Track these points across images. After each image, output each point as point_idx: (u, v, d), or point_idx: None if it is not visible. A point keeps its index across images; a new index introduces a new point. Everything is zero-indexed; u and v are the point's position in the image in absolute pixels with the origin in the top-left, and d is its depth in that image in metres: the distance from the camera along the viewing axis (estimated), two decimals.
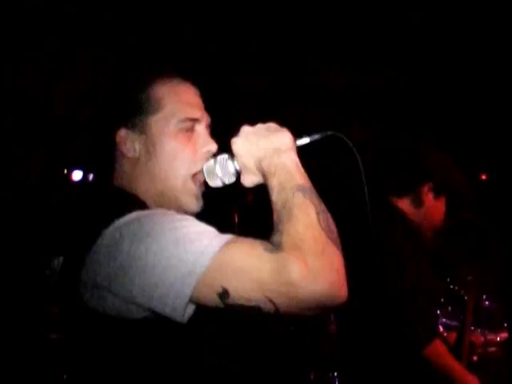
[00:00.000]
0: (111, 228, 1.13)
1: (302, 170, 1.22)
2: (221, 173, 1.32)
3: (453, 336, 2.56)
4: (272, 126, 1.28)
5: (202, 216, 1.26)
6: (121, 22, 4.00)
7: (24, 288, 3.74)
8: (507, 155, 4.60)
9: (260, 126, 1.28)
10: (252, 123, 1.29)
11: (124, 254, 1.09)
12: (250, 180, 1.30)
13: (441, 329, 2.75)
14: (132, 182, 1.34)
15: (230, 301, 1.05)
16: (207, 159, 1.35)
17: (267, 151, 1.23)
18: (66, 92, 4.35)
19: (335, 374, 3.41)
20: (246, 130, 1.28)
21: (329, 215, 1.15)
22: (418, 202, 2.39)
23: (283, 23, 4.08)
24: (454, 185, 2.39)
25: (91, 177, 4.78)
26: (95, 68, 4.23)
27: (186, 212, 1.33)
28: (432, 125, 4.63)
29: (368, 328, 2.23)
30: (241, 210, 4.06)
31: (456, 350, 2.38)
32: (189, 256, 1.05)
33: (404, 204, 2.42)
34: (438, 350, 2.14)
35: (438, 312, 2.82)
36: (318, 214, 1.11)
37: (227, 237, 1.10)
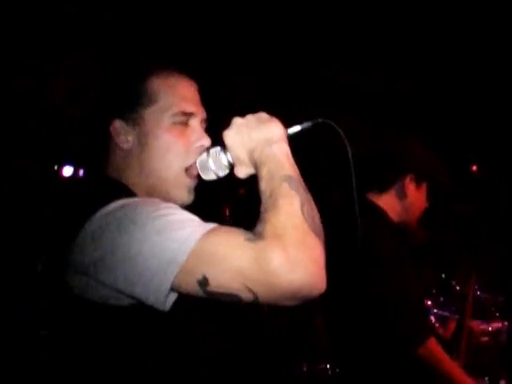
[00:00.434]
0: (97, 215, 1.14)
1: (292, 160, 1.22)
2: (214, 166, 1.33)
3: (452, 327, 2.57)
4: (263, 115, 1.29)
5: (193, 210, 1.25)
6: (112, 20, 3.98)
7: (16, 284, 3.73)
8: (498, 146, 4.63)
9: (251, 117, 1.28)
10: (242, 115, 1.29)
11: (108, 241, 1.10)
12: (243, 172, 1.30)
13: (433, 319, 2.76)
14: (123, 173, 1.34)
15: (210, 289, 1.06)
16: (200, 153, 1.35)
17: (259, 142, 1.23)
18: (55, 88, 4.33)
19: (328, 365, 3.43)
20: (237, 121, 1.28)
21: (314, 206, 1.15)
22: (402, 194, 2.36)
23: (278, 20, 4.07)
24: (432, 172, 2.38)
25: (82, 172, 4.78)
26: (85, 64, 4.20)
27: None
28: (421, 117, 4.64)
29: (358, 327, 2.21)
30: (233, 205, 4.07)
31: (455, 337, 2.40)
32: (171, 244, 1.06)
33: (386, 200, 2.37)
34: (432, 350, 2.12)
35: (430, 303, 2.83)
36: (302, 204, 1.12)
37: (210, 225, 1.11)
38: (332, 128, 1.28)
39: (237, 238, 1.07)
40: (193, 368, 1.23)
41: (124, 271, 1.08)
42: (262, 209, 1.14)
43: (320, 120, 1.29)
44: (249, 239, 1.07)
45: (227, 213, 3.91)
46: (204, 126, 1.41)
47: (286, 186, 1.14)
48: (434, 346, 2.13)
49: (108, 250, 1.09)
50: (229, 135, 1.27)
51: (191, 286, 1.07)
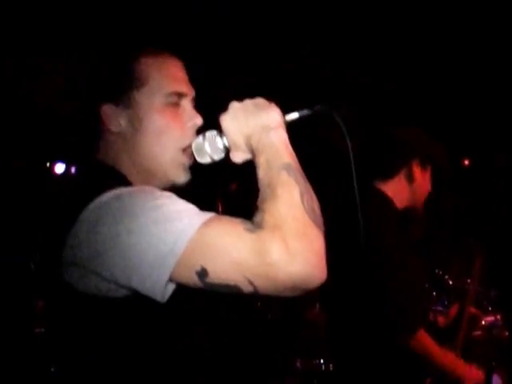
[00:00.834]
0: (91, 206, 1.11)
1: (290, 147, 1.20)
2: (210, 149, 1.30)
3: (453, 312, 2.59)
4: (260, 101, 1.26)
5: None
6: (102, 17, 3.94)
7: (9, 282, 3.70)
8: (490, 140, 4.64)
9: (248, 102, 1.25)
10: (240, 99, 1.26)
11: (104, 233, 1.07)
12: (239, 157, 1.27)
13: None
14: (117, 158, 1.31)
15: (209, 280, 1.04)
16: (194, 133, 1.33)
17: (256, 128, 1.20)
18: (47, 86, 4.29)
19: (321, 361, 3.42)
20: (234, 106, 1.25)
21: (314, 196, 1.13)
22: (411, 179, 2.38)
23: (278, 20, 4.06)
24: (436, 155, 2.42)
25: (74, 169, 4.75)
26: (76, 61, 4.16)
27: (174, 185, 1.31)
28: (414, 110, 4.65)
29: (356, 319, 2.22)
30: (225, 199, 4.05)
31: (455, 325, 2.45)
32: (168, 235, 1.04)
33: (393, 186, 2.38)
34: (421, 342, 2.14)
35: None
36: (302, 194, 1.09)
37: (208, 215, 1.08)
38: (331, 116, 1.25)
39: (236, 229, 1.05)
40: (187, 360, 1.21)
41: (120, 263, 1.05)
42: (261, 197, 1.12)
43: (318, 107, 1.26)
44: (248, 230, 1.04)
45: (219, 208, 3.89)
46: (193, 104, 1.38)
47: (284, 174, 1.11)
48: (423, 337, 2.15)
49: (104, 242, 1.07)
50: (225, 119, 1.24)
51: (190, 277, 1.04)
